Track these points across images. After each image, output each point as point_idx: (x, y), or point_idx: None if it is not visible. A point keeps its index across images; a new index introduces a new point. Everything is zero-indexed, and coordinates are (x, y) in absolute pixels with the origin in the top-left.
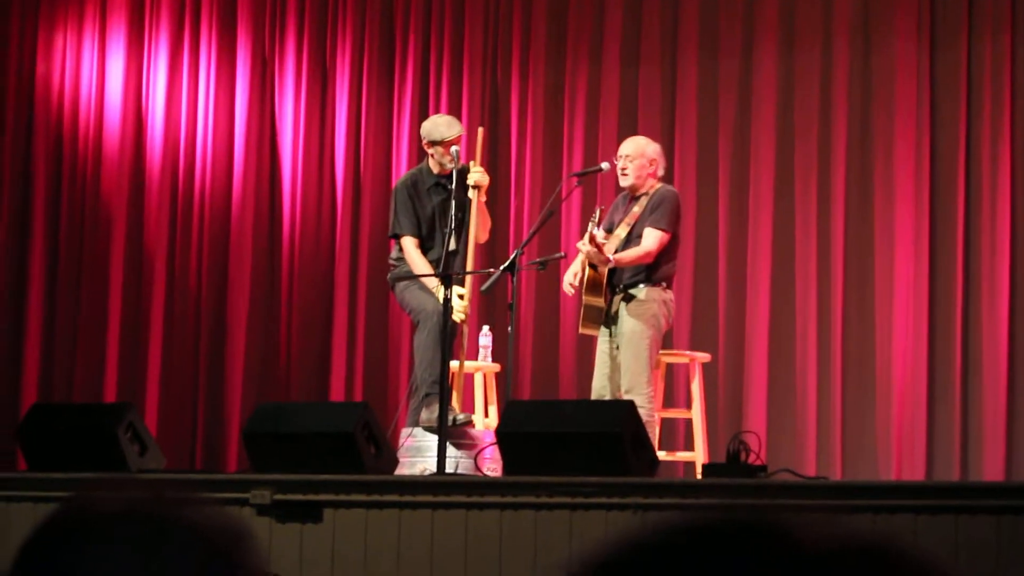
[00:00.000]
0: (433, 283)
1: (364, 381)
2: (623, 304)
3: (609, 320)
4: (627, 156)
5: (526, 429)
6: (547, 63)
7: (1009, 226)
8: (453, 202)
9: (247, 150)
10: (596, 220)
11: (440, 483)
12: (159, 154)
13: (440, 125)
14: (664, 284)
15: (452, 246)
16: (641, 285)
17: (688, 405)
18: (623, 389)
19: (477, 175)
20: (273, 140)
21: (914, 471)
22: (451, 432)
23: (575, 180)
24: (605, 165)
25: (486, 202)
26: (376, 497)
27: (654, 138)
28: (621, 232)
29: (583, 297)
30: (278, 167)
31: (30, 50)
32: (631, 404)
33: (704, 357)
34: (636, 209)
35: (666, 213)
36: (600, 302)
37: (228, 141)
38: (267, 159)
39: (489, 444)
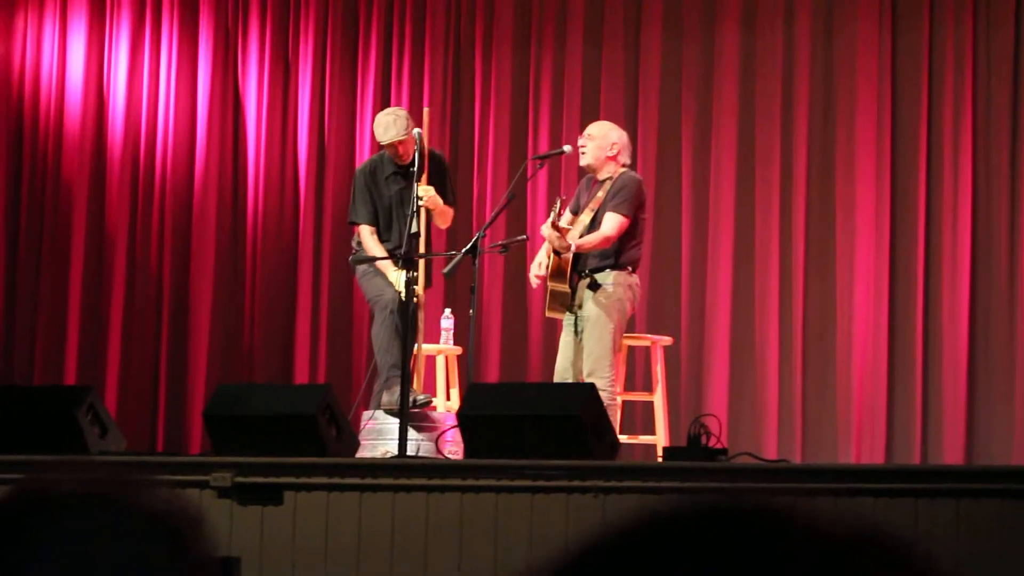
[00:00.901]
0: (391, 269)
1: (328, 363)
2: (588, 289)
3: (574, 304)
4: (589, 135)
5: (487, 412)
6: (510, 45)
7: (970, 208)
8: (416, 185)
9: (209, 132)
10: (557, 209)
11: (401, 466)
12: (120, 136)
13: (378, 127)
14: (630, 268)
15: (415, 228)
16: (607, 270)
17: (650, 388)
18: (585, 373)
19: (427, 198)
20: (236, 122)
21: (874, 454)
22: (412, 415)
23: (537, 163)
24: (567, 148)
25: (445, 190)
26: (337, 480)
27: (617, 120)
28: (585, 218)
29: (548, 283)
30: (241, 149)
31: None
32: (592, 387)
33: (666, 340)
34: (600, 194)
35: (627, 198)
36: (565, 287)
37: (190, 123)
38: (230, 141)
39: (450, 427)
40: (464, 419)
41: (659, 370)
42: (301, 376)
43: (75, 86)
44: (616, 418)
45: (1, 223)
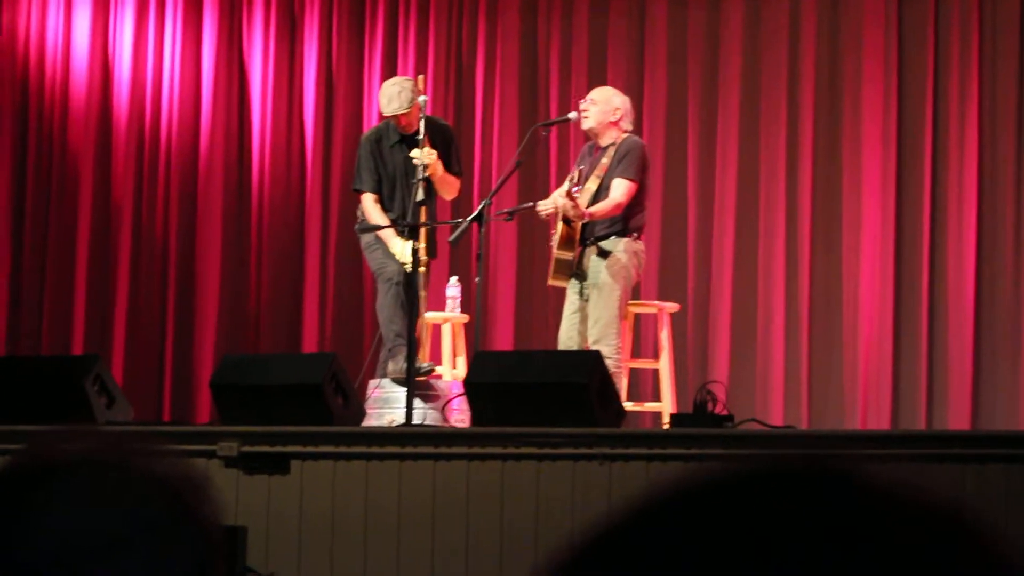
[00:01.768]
0: (395, 239)
1: (335, 333)
2: (595, 256)
3: (580, 272)
4: (592, 100)
5: (493, 380)
6: (517, 13)
7: (976, 176)
8: (421, 151)
9: (215, 100)
10: (575, 179)
11: (407, 434)
12: (126, 104)
13: (383, 99)
14: (635, 235)
15: (420, 196)
16: (613, 237)
17: (656, 355)
18: (591, 340)
19: (425, 159)
20: (242, 89)
21: (880, 420)
22: (418, 383)
23: (543, 130)
24: (572, 115)
25: (449, 159)
26: (344, 448)
27: (623, 88)
28: (591, 185)
29: (555, 251)
30: (247, 117)
31: None
32: (597, 355)
33: (673, 307)
34: (604, 160)
35: (633, 162)
36: (571, 256)
37: (195, 92)
38: (235, 110)
39: (457, 395)
40: (470, 387)
41: (665, 337)
42: (309, 346)
43: (80, 56)
44: (622, 385)
45: (7, 194)
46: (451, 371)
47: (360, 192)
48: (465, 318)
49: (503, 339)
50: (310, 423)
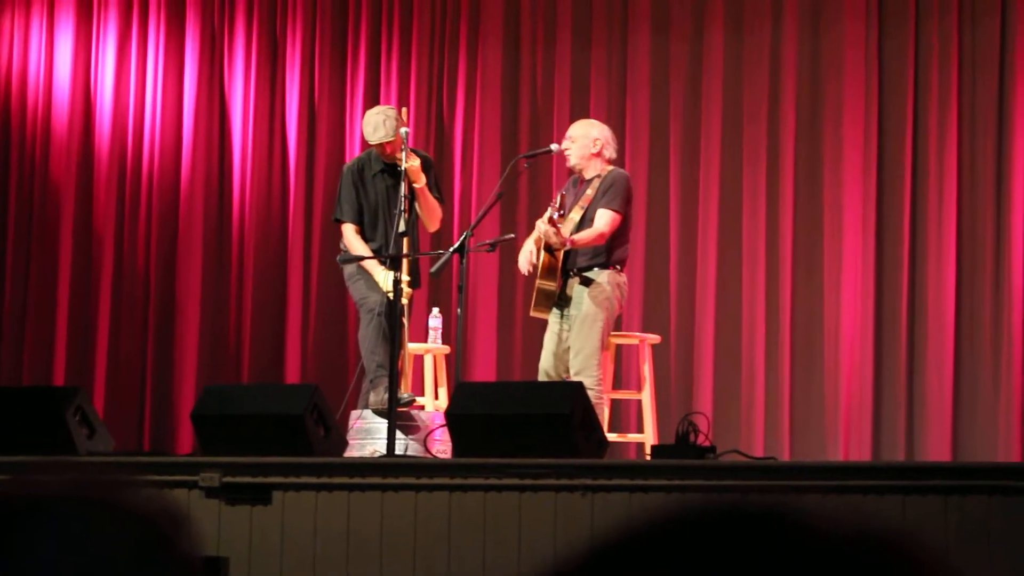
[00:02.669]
0: (378, 269)
1: (317, 363)
2: (578, 287)
3: (561, 302)
4: (571, 137)
5: (475, 411)
6: (498, 44)
7: (956, 206)
8: (403, 184)
9: (196, 130)
10: (557, 205)
11: (389, 465)
12: (108, 135)
13: (367, 127)
14: (618, 267)
15: (402, 227)
16: (597, 268)
17: (638, 387)
18: (573, 371)
19: (407, 163)
20: (224, 120)
21: (861, 451)
22: (400, 414)
23: (524, 162)
24: (554, 147)
25: (430, 184)
26: (326, 479)
27: (605, 119)
28: (575, 215)
29: (537, 281)
30: (228, 147)
31: None
32: (580, 386)
33: (654, 339)
34: (589, 192)
35: (618, 194)
36: (553, 286)
37: (177, 122)
38: (217, 139)
39: (439, 426)
40: (452, 418)
41: (647, 368)
42: (291, 377)
43: (62, 88)
44: (604, 416)
45: None
46: (433, 402)
47: (341, 222)
48: (447, 349)
49: (484, 370)
50: (291, 454)
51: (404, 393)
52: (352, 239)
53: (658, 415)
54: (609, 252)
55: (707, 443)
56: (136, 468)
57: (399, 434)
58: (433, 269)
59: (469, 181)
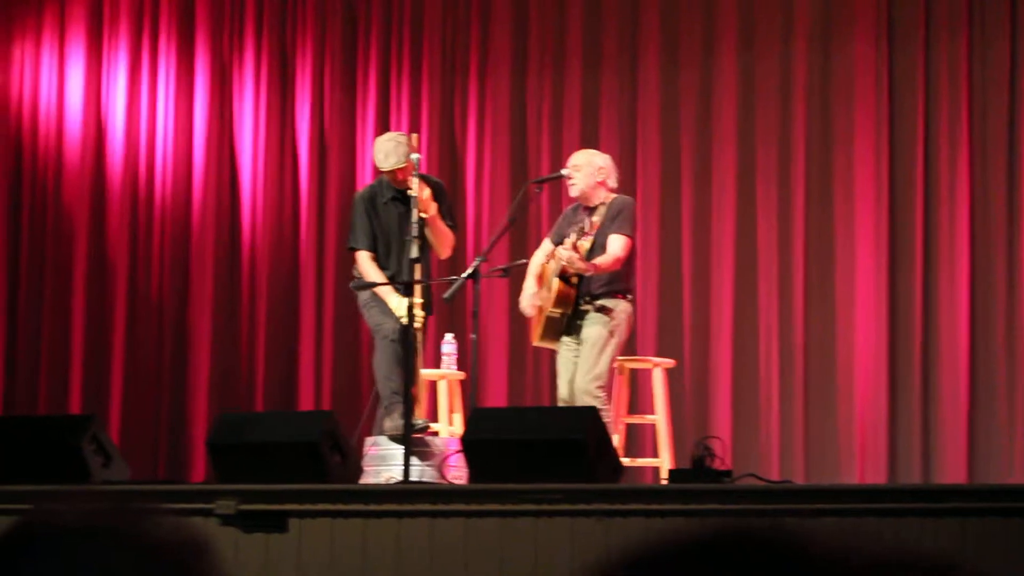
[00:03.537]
0: (392, 296)
1: (332, 390)
2: (590, 312)
3: (571, 329)
4: (574, 166)
5: (491, 436)
6: (507, 70)
7: (968, 225)
8: (415, 211)
9: (207, 158)
10: (582, 232)
11: (405, 491)
12: (119, 163)
13: (379, 154)
14: (630, 297)
15: (414, 253)
16: (609, 296)
17: (653, 411)
18: (579, 391)
19: (420, 193)
20: (233, 147)
21: (876, 474)
22: (415, 441)
23: (536, 187)
24: (565, 171)
25: (443, 212)
26: (341, 506)
27: (616, 144)
28: (584, 244)
29: (548, 310)
30: (239, 175)
31: None
32: (594, 411)
33: (668, 363)
34: (595, 219)
35: (627, 219)
36: (561, 313)
37: (188, 149)
38: (227, 167)
39: (454, 452)
40: (468, 444)
41: (661, 393)
42: (305, 402)
43: (74, 116)
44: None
45: (3, 253)
46: (448, 428)
47: (355, 250)
48: (461, 375)
49: (496, 395)
50: (307, 481)
51: (420, 419)
52: (367, 266)
53: (674, 440)
54: (621, 279)
55: (723, 467)
56: (152, 496)
57: (414, 460)
58: (446, 295)
59: (481, 206)
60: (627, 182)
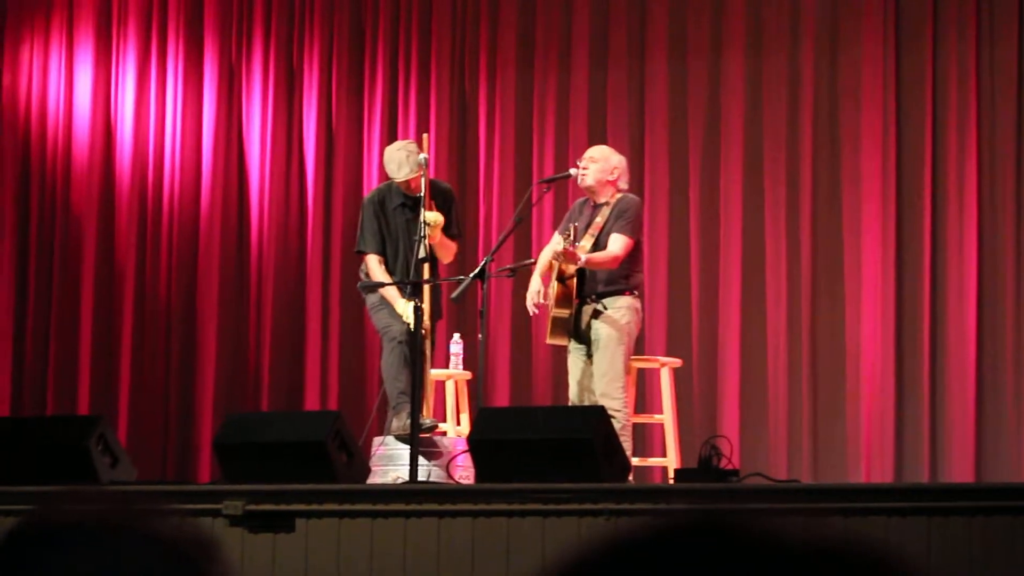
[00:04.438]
0: (399, 299)
1: (339, 390)
2: (596, 312)
3: (579, 330)
4: (591, 158)
5: (498, 436)
6: (515, 68)
7: (976, 226)
8: (423, 211)
9: (215, 161)
10: (570, 235)
11: (412, 491)
12: (128, 166)
13: (390, 164)
14: (635, 293)
15: (422, 254)
16: (616, 295)
17: (660, 411)
18: (597, 394)
19: (431, 219)
20: (241, 150)
21: (884, 473)
22: (422, 440)
23: (543, 187)
24: (573, 171)
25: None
26: (348, 506)
27: (624, 142)
28: (586, 243)
29: (552, 310)
30: (247, 178)
31: None
32: (602, 410)
33: (675, 362)
34: (599, 220)
35: (630, 220)
36: (567, 313)
37: (196, 152)
38: (235, 170)
39: (461, 452)
40: (475, 444)
41: (668, 392)
42: (312, 402)
43: (82, 119)
44: (631, 440)
45: (12, 255)
46: (455, 428)
47: (364, 254)
48: (468, 375)
49: (502, 395)
50: (314, 481)
51: (426, 419)
52: (376, 269)
53: (681, 439)
54: (625, 278)
55: (730, 466)
56: (160, 497)
57: (422, 460)
58: (454, 295)
59: (489, 206)
60: (635, 182)
